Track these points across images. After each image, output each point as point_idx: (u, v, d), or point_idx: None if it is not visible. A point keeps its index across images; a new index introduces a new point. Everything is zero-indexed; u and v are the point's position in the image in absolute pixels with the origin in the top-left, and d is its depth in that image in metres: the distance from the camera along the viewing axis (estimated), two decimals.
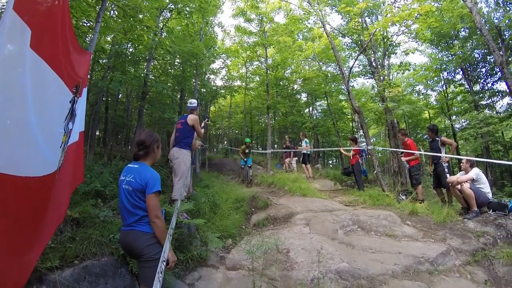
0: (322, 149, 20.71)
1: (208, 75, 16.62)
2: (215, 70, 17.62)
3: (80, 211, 4.25)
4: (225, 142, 28.87)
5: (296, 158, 13.64)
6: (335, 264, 4.17)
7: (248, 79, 20.99)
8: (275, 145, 21.97)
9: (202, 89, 14.54)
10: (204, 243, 4.87)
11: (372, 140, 23.56)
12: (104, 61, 11.56)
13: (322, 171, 14.55)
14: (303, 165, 12.43)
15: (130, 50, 12.88)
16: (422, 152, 8.79)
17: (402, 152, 8.88)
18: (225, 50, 17.36)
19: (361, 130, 12.84)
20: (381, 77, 13.78)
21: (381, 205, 7.23)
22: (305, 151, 12.52)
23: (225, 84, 19.27)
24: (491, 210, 6.23)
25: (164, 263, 2.50)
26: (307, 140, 13.36)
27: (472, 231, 5.50)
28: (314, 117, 23.53)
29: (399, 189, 9.91)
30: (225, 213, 6.28)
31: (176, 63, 14.30)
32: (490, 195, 6.47)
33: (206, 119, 7.13)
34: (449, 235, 5.39)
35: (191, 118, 5.79)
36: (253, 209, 7.11)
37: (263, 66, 16.54)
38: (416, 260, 4.39)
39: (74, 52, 3.12)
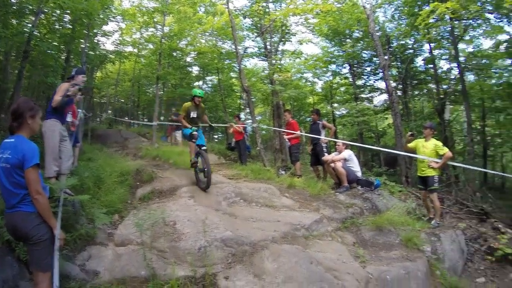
0: (213, 124, 20.69)
1: (99, 37, 15.06)
2: (108, 33, 16.09)
3: None
4: (110, 111, 26.78)
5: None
6: (220, 233, 4.45)
7: (140, 46, 19.84)
8: (162, 117, 21.36)
9: (90, 52, 13.12)
10: (90, 221, 4.66)
11: (257, 119, 24.55)
12: None
13: (207, 145, 14.81)
14: None
15: None
16: (303, 134, 9.62)
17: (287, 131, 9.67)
18: (122, 12, 16.18)
19: (248, 108, 13.41)
20: (273, 61, 14.54)
21: (262, 179, 7.73)
22: None
23: (116, 48, 17.75)
24: (360, 186, 7.40)
25: (58, 241, 2.39)
26: None
27: (342, 202, 6.43)
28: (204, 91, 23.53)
29: (279, 165, 10.91)
30: (110, 187, 6.01)
31: (65, 20, 12.59)
32: (359, 174, 7.69)
33: (76, 88, 5.44)
34: (322, 206, 6.20)
35: (59, 87, 5.20)
36: (138, 183, 6.98)
37: (158, 34, 15.83)
38: (293, 227, 4.95)
39: None
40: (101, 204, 5.22)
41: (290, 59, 19.78)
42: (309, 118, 9.28)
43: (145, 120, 23.94)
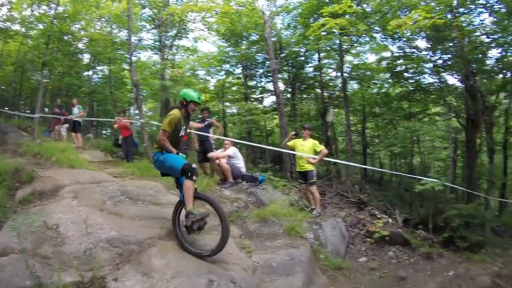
0: (97, 119, 19.88)
1: None
2: None
3: None
4: None
5: (67, 125, 12.60)
6: (105, 233, 4.41)
7: (29, 25, 17.47)
8: (46, 109, 19.49)
9: None
10: None
11: (148, 114, 23.51)
12: None
13: (94, 142, 14.28)
14: (73, 133, 11.88)
15: None
16: (192, 131, 9.82)
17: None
18: None
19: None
20: (166, 56, 14.47)
21: (149, 176, 7.71)
22: (76, 119, 11.96)
23: (2, 25, 15.57)
24: (245, 182, 7.97)
25: None
26: (80, 106, 12.76)
27: (228, 197, 6.87)
28: (93, 83, 21.87)
29: None
30: None
31: None
32: (243, 170, 8.26)
33: None
34: None
35: None
36: (17, 184, 6.42)
37: (50, 13, 14.40)
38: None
39: None
40: None
41: (184, 55, 19.72)
42: (200, 116, 9.63)
43: (27, 111, 21.46)
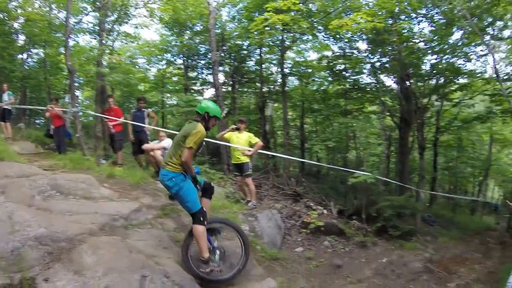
0: (29, 107, 18.31)
1: None
2: None
3: None
4: None
5: None
6: (33, 231, 4.15)
7: None
8: None
9: None
10: None
11: (85, 103, 22.50)
12: None
13: (25, 132, 13.25)
14: (2, 122, 10.89)
15: None
16: (128, 121, 9.50)
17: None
18: None
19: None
20: (104, 41, 13.82)
21: (81, 169, 7.38)
22: (6, 107, 10.97)
23: None
24: None
25: None
26: (11, 93, 11.63)
27: (162, 190, 6.60)
28: (27, 67, 20.05)
29: (100, 153, 10.62)
30: None
31: None
32: None
33: None
34: (142, 195, 6.32)
35: None
36: None
37: None
38: (111, 217, 4.95)
39: None
40: None
41: (125, 42, 18.96)
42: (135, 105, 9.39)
43: None
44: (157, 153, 7.89)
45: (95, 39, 17.02)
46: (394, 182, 15.02)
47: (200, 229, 4.20)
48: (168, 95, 21.14)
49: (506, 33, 12.93)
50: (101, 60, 12.45)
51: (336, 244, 8.92)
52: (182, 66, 19.74)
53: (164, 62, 20.15)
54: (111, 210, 5.20)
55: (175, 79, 21.10)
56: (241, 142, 7.88)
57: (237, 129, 8.06)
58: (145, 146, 8.24)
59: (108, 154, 10.66)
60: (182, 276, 4.20)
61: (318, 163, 20.72)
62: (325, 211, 9.93)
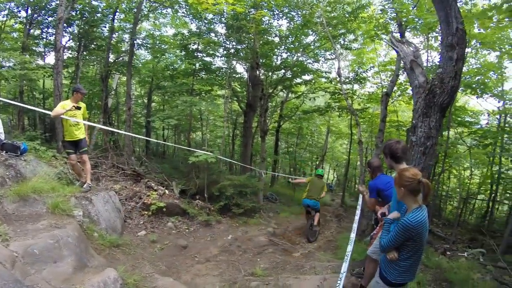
0: None
1: None
2: None
3: None
4: None
5: None
6: None
7: None
8: None
9: None
10: None
11: None
12: None
13: None
14: None
15: None
16: None
17: None
18: None
19: None
20: None
21: None
22: None
23: None
24: (4, 152, 6.24)
25: None
26: None
27: None
28: None
29: None
30: None
31: None
32: (2, 136, 6.43)
33: None
34: None
35: None
36: None
37: None
38: None
39: None
40: None
41: None
42: None
43: None
44: None
45: None
46: (235, 162, 15.70)
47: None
48: (5, 54, 16.64)
49: (355, 45, 15.44)
50: None
51: (180, 225, 8.79)
52: (24, 20, 15.79)
53: (6, 12, 15.77)
54: None
55: (15, 35, 16.78)
56: (78, 115, 6.59)
57: (78, 108, 6.77)
58: None
59: None
60: (7, 278, 3.20)
61: (160, 141, 20.14)
62: (166, 191, 9.70)
